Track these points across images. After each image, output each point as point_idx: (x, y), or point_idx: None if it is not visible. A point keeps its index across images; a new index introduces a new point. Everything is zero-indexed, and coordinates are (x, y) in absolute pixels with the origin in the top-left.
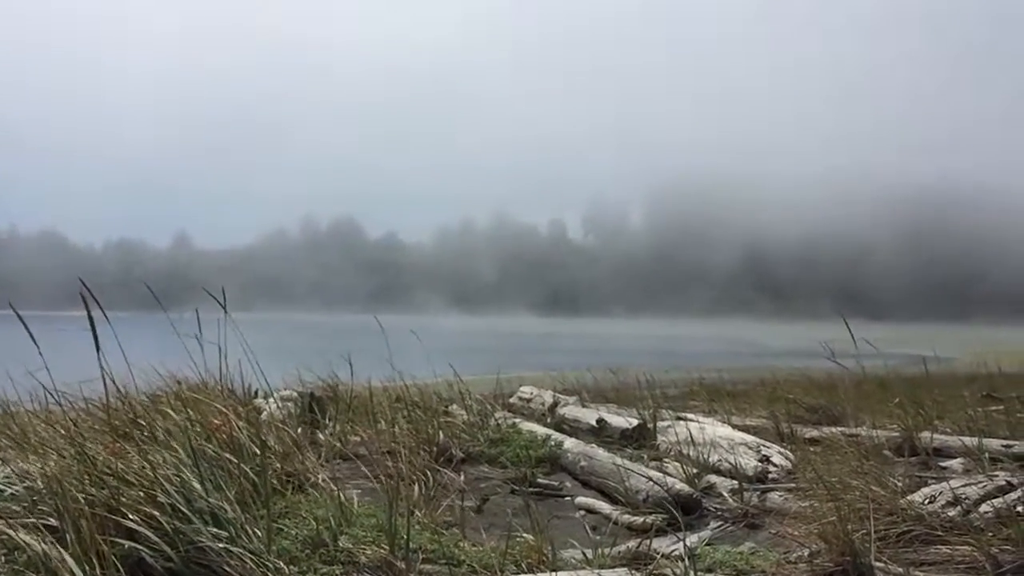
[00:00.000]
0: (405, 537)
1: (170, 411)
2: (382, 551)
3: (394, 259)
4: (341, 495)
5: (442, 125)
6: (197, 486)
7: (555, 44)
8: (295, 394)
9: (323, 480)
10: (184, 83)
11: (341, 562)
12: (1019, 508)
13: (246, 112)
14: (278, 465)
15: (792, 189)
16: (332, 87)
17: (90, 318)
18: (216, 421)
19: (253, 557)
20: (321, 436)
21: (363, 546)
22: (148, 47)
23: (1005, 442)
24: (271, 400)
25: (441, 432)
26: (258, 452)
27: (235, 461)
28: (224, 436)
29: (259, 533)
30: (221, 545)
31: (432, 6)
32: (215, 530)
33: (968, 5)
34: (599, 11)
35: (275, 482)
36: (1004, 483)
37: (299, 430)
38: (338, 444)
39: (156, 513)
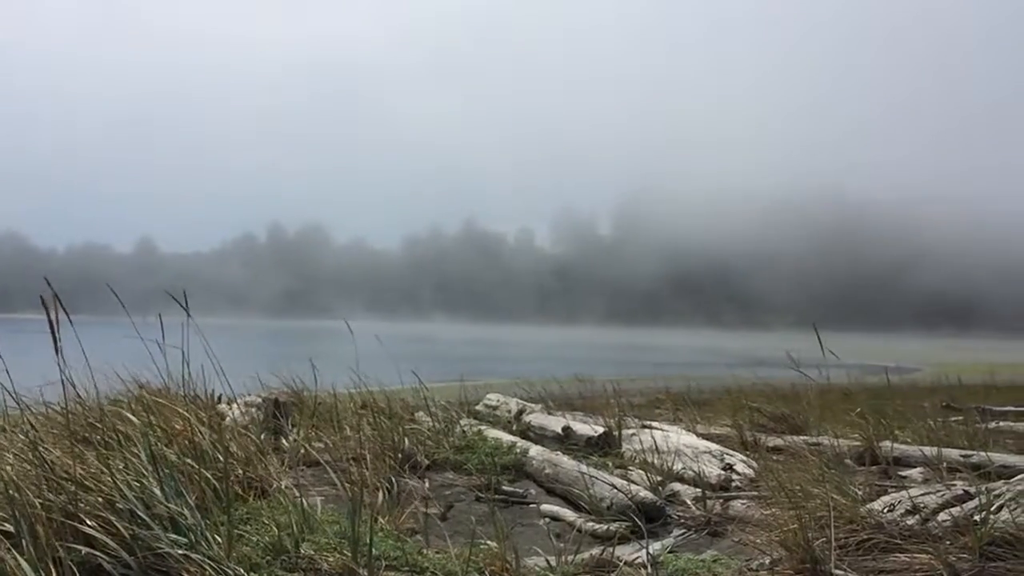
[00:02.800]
0: (368, 544)
1: (130, 416)
2: (344, 558)
3: (362, 265)
4: (304, 501)
5: (413, 132)
6: (157, 491)
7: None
8: (259, 399)
9: (286, 486)
10: (148, 84)
11: (303, 569)
12: (976, 517)
13: (216, 115)
14: (240, 471)
15: (749, 202)
16: (308, 91)
17: (50, 320)
18: (178, 426)
19: (212, 564)
20: (285, 442)
21: (325, 553)
22: (117, 44)
23: (963, 452)
24: (235, 405)
25: (406, 439)
26: (220, 458)
27: (196, 466)
28: (186, 441)
29: (219, 539)
30: (180, 551)
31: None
32: (174, 536)
33: (849, 16)
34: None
35: (237, 488)
36: (962, 492)
37: (262, 436)
38: (302, 450)
39: (114, 519)
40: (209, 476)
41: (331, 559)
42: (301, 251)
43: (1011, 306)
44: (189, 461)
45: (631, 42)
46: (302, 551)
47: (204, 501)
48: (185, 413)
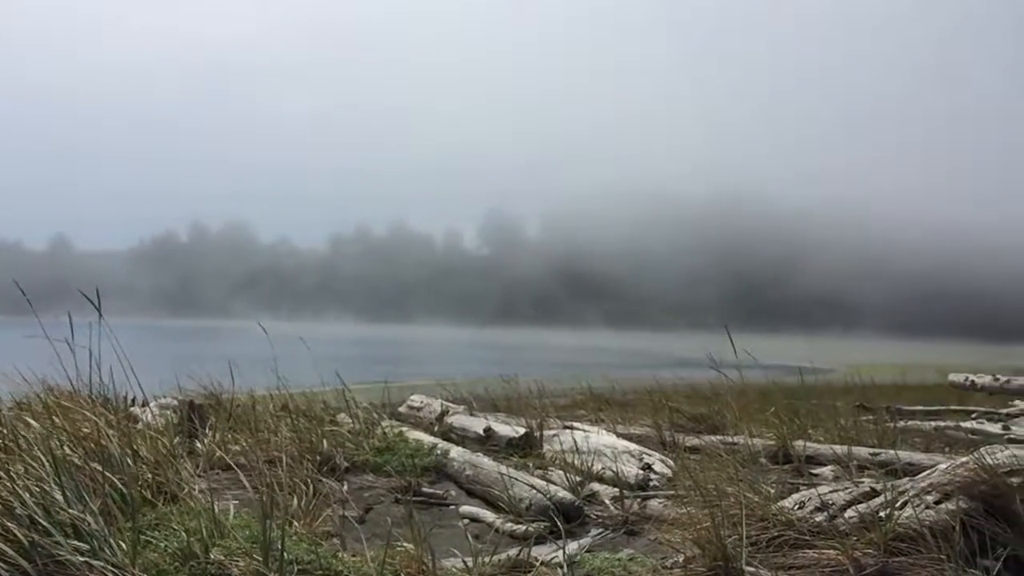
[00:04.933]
0: (280, 548)
1: (31, 420)
2: (255, 563)
3: (287, 264)
4: (215, 505)
5: (336, 129)
6: (59, 497)
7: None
8: (175, 402)
9: (198, 490)
10: (63, 75)
11: (212, 575)
12: (881, 513)
13: (134, 108)
14: (150, 475)
15: (670, 205)
16: (226, 86)
17: None
18: (85, 429)
19: (116, 570)
20: (200, 445)
21: (236, 558)
22: (29, 32)
23: (872, 450)
24: (149, 408)
25: (325, 441)
26: (129, 462)
27: (101, 471)
28: (92, 445)
29: (123, 546)
30: (82, 559)
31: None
32: (76, 543)
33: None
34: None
35: (146, 493)
36: (868, 489)
37: (176, 439)
38: (218, 453)
39: (12, 525)
40: (116, 481)
41: (242, 564)
42: (224, 250)
43: (892, 306)
44: (95, 465)
45: (545, 38)
46: (212, 556)
47: (109, 507)
48: (92, 416)
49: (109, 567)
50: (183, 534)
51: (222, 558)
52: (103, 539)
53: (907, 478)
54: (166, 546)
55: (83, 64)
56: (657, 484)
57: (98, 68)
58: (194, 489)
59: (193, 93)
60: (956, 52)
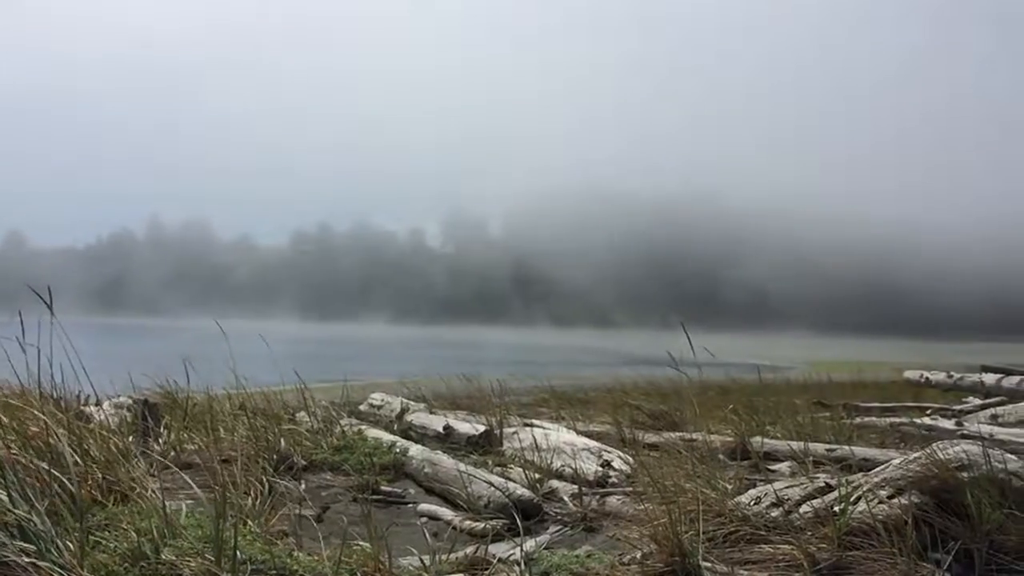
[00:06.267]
0: (233, 547)
1: None
2: (207, 563)
3: (248, 263)
4: (166, 505)
5: (295, 126)
6: (3, 497)
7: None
8: (130, 401)
9: (150, 490)
10: (14, 74)
11: (163, 575)
12: (836, 508)
13: (87, 103)
14: (100, 475)
15: (640, 203)
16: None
17: None
18: (34, 428)
19: (62, 571)
20: (155, 445)
21: (187, 558)
22: None
23: (829, 446)
24: (103, 407)
25: (283, 439)
26: (79, 461)
27: (48, 470)
28: (41, 444)
29: (71, 546)
30: (27, 559)
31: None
32: (22, 544)
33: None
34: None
35: (96, 493)
36: (823, 484)
37: (130, 438)
38: (172, 453)
39: None
40: (65, 481)
41: (193, 564)
42: (183, 248)
43: (842, 305)
44: (43, 465)
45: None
46: (163, 557)
47: (57, 507)
48: (41, 415)
49: (56, 568)
50: (133, 534)
51: (173, 558)
52: (50, 540)
53: (861, 473)
54: (115, 547)
55: (35, 60)
56: (616, 481)
57: (52, 65)
58: (146, 489)
59: (147, 90)
60: (900, 56)
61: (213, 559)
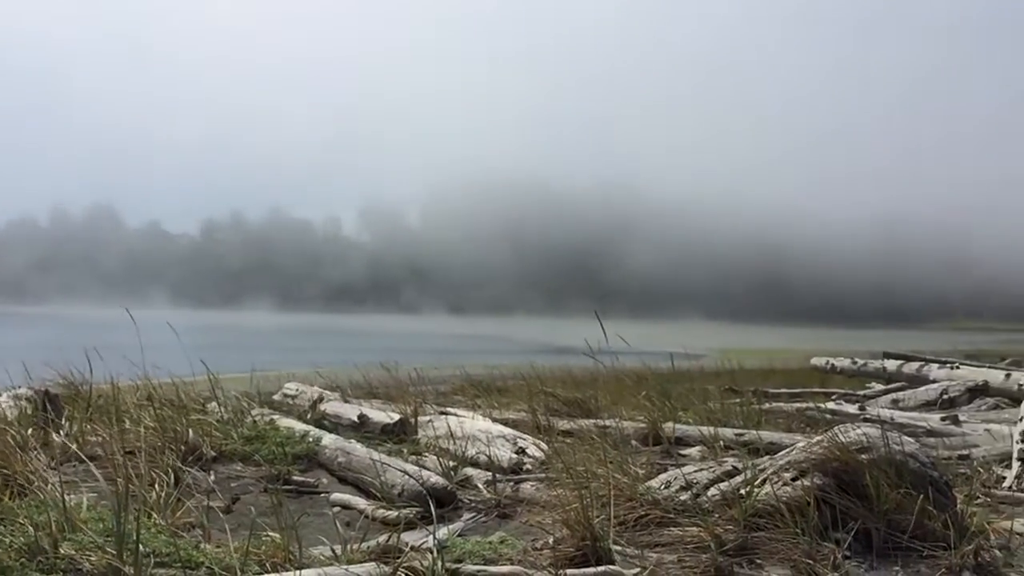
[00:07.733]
0: (135, 540)
1: None
2: (109, 556)
3: (157, 251)
4: (65, 498)
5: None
6: None
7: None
8: (31, 392)
9: (49, 484)
10: None
11: (62, 570)
12: (742, 491)
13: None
14: None
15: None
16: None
17: None
18: None
19: None
20: (56, 437)
21: (88, 552)
22: None
23: (738, 431)
24: (1, 399)
25: (191, 430)
26: None
27: None
28: None
29: None
30: None
31: None
32: None
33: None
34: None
35: None
36: (731, 468)
37: (29, 430)
38: (74, 445)
39: None
40: None
41: (94, 558)
42: (89, 235)
43: (734, 291)
44: None
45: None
46: (62, 551)
47: None
48: None
49: None
50: (30, 529)
51: (73, 552)
52: None
53: (767, 457)
54: (11, 541)
55: None
56: (530, 467)
57: None
58: (45, 482)
59: (40, 71)
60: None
61: (115, 552)
